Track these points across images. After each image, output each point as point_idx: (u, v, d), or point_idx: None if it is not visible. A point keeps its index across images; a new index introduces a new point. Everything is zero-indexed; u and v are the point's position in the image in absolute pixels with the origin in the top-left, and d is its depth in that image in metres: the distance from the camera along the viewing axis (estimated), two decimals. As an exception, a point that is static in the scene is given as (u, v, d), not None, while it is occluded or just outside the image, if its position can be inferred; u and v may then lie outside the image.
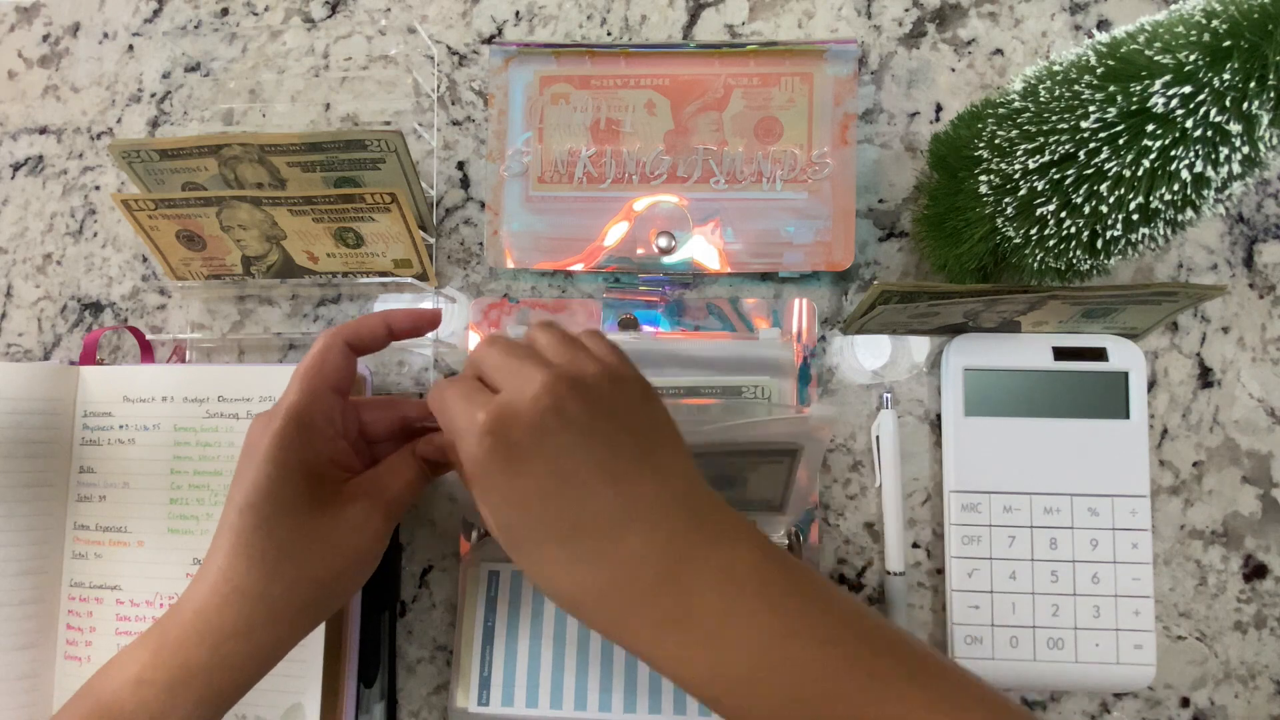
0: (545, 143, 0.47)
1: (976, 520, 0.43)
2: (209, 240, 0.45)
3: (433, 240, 0.49)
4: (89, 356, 0.46)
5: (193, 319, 0.50)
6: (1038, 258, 0.37)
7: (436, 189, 0.49)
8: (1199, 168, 0.30)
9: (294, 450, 0.33)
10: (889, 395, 0.46)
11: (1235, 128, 0.29)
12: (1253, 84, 0.28)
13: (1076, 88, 0.32)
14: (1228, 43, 0.28)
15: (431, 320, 0.39)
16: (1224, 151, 0.30)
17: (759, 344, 0.46)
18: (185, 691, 0.32)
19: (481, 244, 0.49)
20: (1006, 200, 0.36)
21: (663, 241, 0.46)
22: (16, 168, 0.53)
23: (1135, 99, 0.30)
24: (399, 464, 0.37)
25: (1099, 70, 0.32)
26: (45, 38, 0.54)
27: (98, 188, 0.52)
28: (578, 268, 0.47)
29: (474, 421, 0.29)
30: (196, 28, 0.53)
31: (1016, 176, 0.35)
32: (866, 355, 0.47)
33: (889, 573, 0.44)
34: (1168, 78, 0.29)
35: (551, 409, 0.29)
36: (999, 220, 0.37)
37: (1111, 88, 0.31)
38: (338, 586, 0.34)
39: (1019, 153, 0.35)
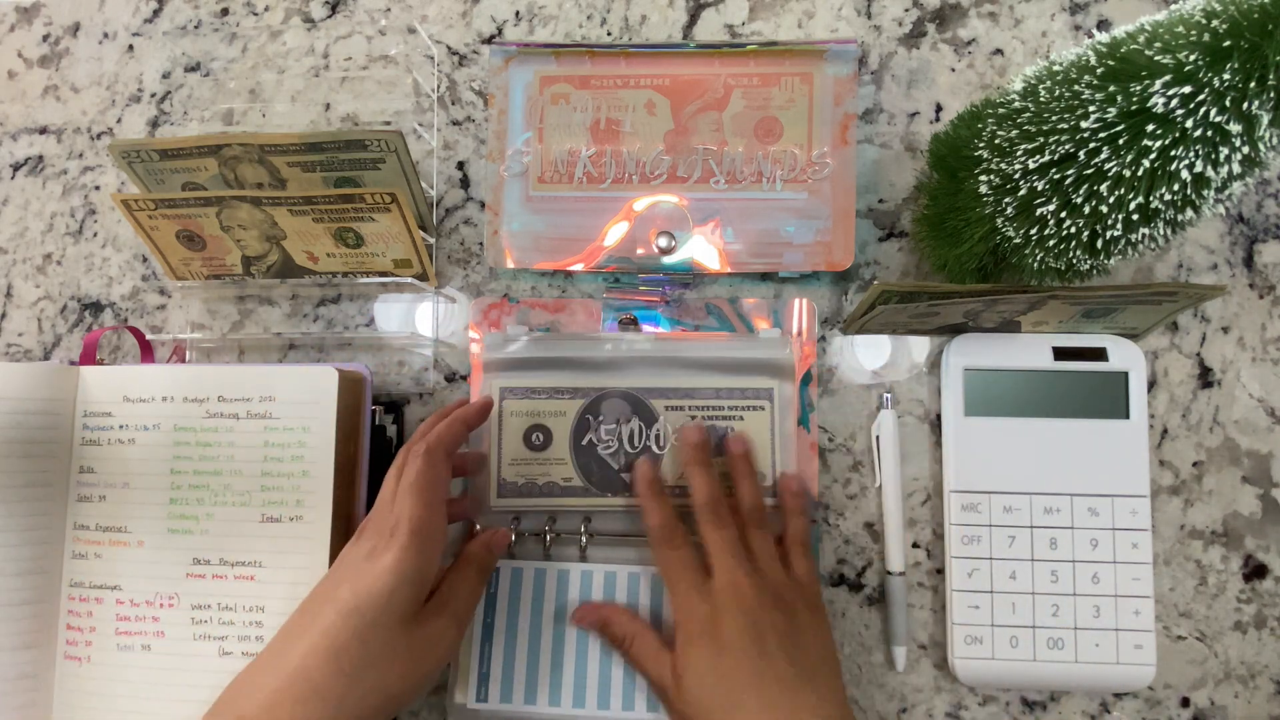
0: (545, 143, 0.47)
1: (976, 520, 0.43)
2: (209, 240, 0.45)
3: (433, 240, 0.49)
4: (89, 356, 0.46)
5: (193, 319, 0.50)
6: (1038, 258, 0.37)
7: (436, 189, 0.49)
8: (1199, 168, 0.30)
9: (414, 564, 0.35)
10: (889, 395, 0.46)
11: (1235, 128, 0.29)
12: (1253, 84, 0.28)
13: (1076, 88, 0.32)
14: (1228, 43, 0.28)
15: (487, 407, 0.44)
16: (1224, 151, 0.30)
17: (759, 344, 0.46)
18: None
19: (481, 244, 0.49)
20: (1006, 200, 0.36)
21: (663, 241, 0.46)
22: (16, 168, 0.53)
23: (1135, 99, 0.30)
24: (466, 574, 0.40)
25: (1099, 70, 0.32)
26: (45, 38, 0.54)
27: (98, 188, 0.52)
28: (578, 268, 0.47)
29: (696, 607, 0.38)
30: (196, 28, 0.53)
31: (1016, 176, 0.35)
32: (866, 355, 0.47)
33: (889, 573, 0.44)
34: (1168, 78, 0.29)
35: (753, 625, 0.37)
36: (999, 220, 0.37)
37: (1111, 88, 0.31)
38: (407, 698, 0.36)
39: (1019, 153, 0.35)
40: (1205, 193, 0.31)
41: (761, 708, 0.35)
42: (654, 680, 0.39)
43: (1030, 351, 0.44)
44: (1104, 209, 0.33)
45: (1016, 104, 0.36)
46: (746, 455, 0.43)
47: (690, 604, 0.39)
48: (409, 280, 0.46)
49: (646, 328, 0.47)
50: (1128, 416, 0.43)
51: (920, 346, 0.46)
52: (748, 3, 0.49)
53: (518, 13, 0.50)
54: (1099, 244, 0.35)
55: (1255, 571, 0.44)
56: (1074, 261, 0.37)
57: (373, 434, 0.44)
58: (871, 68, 0.48)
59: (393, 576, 0.35)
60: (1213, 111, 0.29)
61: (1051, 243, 0.36)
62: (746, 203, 0.46)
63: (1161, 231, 0.34)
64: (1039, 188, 0.34)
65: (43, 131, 0.53)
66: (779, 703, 0.35)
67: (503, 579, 0.44)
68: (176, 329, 0.50)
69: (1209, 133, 0.29)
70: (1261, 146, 0.30)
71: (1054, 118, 0.33)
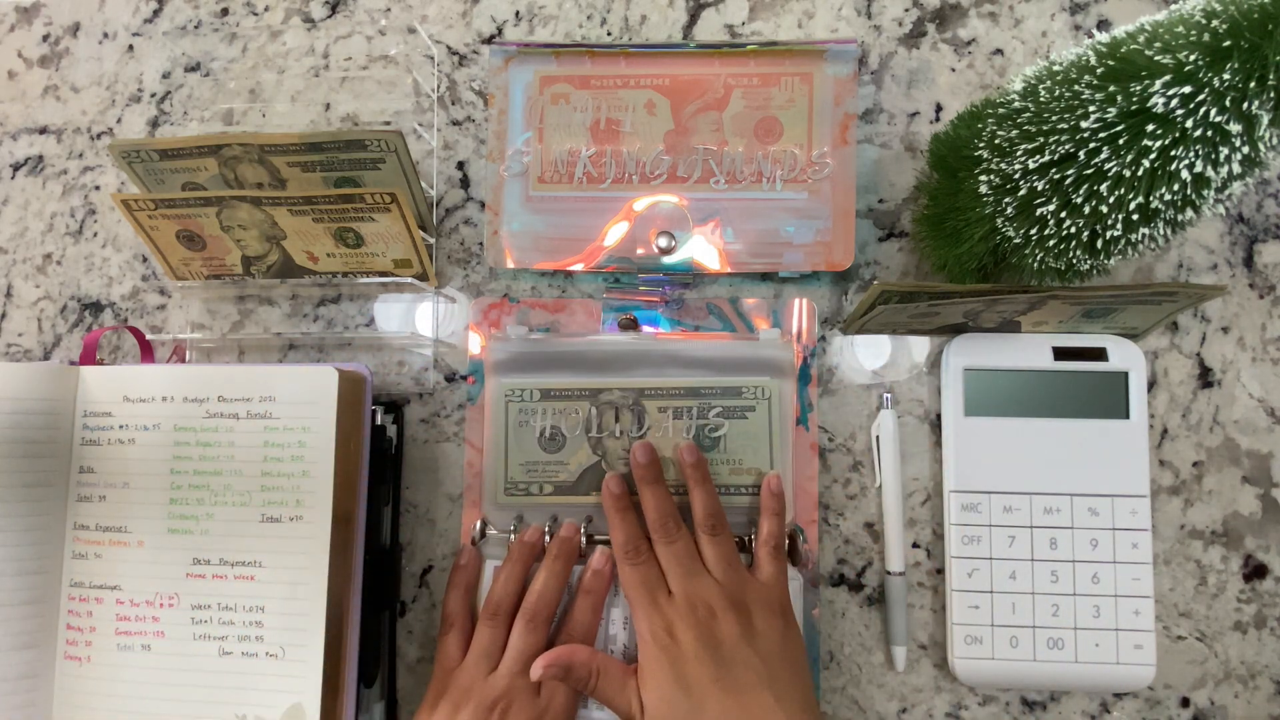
0: (545, 143, 0.47)
1: (976, 520, 0.43)
2: (209, 240, 0.45)
3: (433, 240, 0.49)
4: (89, 356, 0.46)
5: (193, 319, 0.50)
6: (1038, 258, 0.37)
7: (436, 189, 0.49)
8: (1199, 168, 0.30)
9: None
10: (889, 395, 0.46)
11: (1235, 128, 0.29)
12: (1253, 84, 0.28)
13: (1076, 88, 0.32)
14: (1228, 43, 0.28)
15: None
16: (1224, 151, 0.30)
17: (759, 344, 0.46)
18: None
19: (481, 244, 0.49)
20: (1006, 200, 0.36)
21: (663, 241, 0.46)
22: (16, 168, 0.53)
23: (1135, 99, 0.30)
24: (563, 698, 0.41)
25: (1099, 70, 0.32)
26: (45, 38, 0.54)
27: (98, 188, 0.52)
28: (578, 268, 0.47)
29: (654, 623, 0.39)
30: (196, 28, 0.53)
31: (1016, 176, 0.35)
32: (866, 355, 0.47)
33: (889, 573, 0.44)
34: (1168, 78, 0.29)
35: (706, 634, 0.38)
36: (999, 220, 0.37)
37: (1111, 88, 0.31)
38: None
39: (1019, 153, 0.35)
40: (1205, 193, 0.31)
41: (720, 714, 0.36)
42: (622, 712, 0.39)
43: (1030, 351, 0.44)
44: (1104, 209, 0.33)
45: (1016, 104, 0.36)
46: (698, 463, 0.43)
47: (649, 620, 0.39)
48: (409, 280, 0.46)
49: (646, 328, 0.47)
50: (1128, 416, 0.43)
51: (920, 346, 0.46)
52: (748, 3, 0.49)
53: (518, 13, 0.50)
54: (1099, 244, 0.35)
55: (1255, 571, 0.44)
56: (1074, 261, 0.37)
57: (373, 434, 0.44)
58: (871, 68, 0.48)
59: None
60: (1213, 111, 0.29)
61: (1051, 243, 0.36)
62: (746, 203, 0.46)
63: (1161, 231, 0.34)
64: (1039, 188, 0.34)
65: (43, 131, 0.53)
66: (736, 708, 0.36)
67: (503, 579, 0.44)
68: (176, 329, 0.50)
69: (1209, 133, 0.29)
70: (1261, 146, 0.30)
71: (1054, 118, 0.33)
